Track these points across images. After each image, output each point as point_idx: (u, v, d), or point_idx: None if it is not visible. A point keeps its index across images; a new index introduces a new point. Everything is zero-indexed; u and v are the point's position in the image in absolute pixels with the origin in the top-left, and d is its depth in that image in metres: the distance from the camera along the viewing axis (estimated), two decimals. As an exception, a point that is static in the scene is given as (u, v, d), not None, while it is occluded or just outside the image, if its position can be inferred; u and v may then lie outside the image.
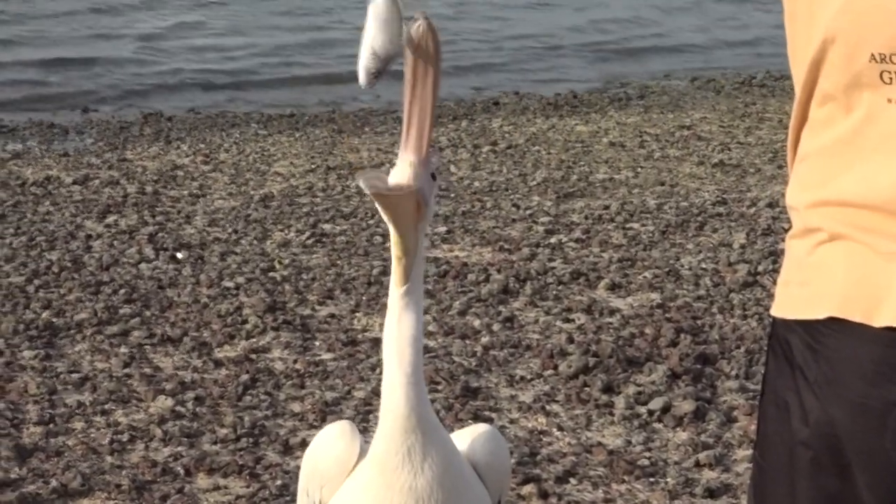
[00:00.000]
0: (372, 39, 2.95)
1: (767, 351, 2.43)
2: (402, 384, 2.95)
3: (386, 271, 7.50)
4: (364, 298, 7.03)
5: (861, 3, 2.20)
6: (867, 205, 2.23)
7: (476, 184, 9.59)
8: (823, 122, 2.30)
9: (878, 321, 2.21)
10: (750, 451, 5.45)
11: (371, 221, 8.46)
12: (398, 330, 2.95)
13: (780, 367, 2.36)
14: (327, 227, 8.46)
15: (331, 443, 3.26)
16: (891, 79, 2.20)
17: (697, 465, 5.36)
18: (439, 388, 5.95)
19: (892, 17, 2.19)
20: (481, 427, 3.44)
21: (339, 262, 7.70)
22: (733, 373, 6.16)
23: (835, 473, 2.28)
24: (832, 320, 2.25)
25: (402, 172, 2.80)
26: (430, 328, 6.68)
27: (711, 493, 5.15)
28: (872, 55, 2.20)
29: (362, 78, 2.95)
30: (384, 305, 3.22)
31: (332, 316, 6.85)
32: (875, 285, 2.22)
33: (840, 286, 2.25)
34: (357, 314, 6.83)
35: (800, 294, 2.31)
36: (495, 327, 6.73)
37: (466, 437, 3.37)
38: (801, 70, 2.31)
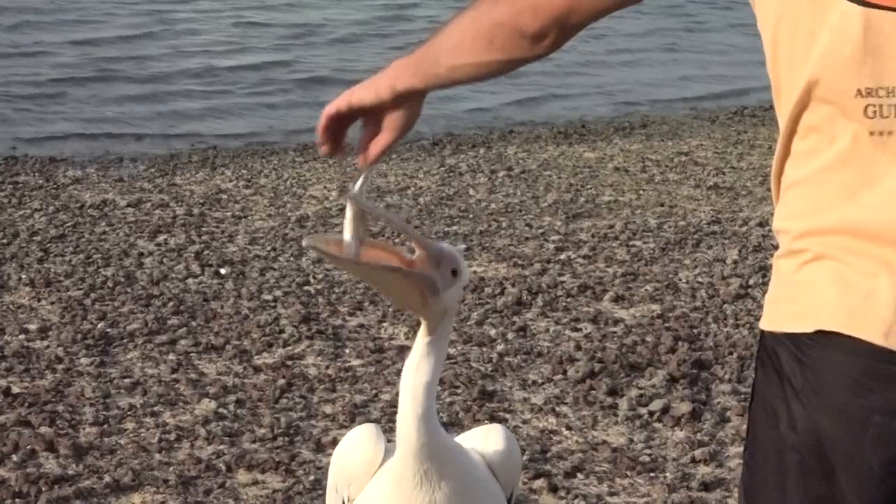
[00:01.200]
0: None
1: (756, 361, 2.40)
2: (413, 423, 2.93)
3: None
4: (390, 310, 7.01)
5: (843, 45, 2.17)
6: (849, 231, 2.20)
7: (493, 205, 9.57)
8: (807, 153, 2.26)
9: (861, 335, 2.18)
10: (742, 449, 5.44)
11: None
12: (415, 374, 2.91)
13: (769, 376, 2.32)
14: (357, 245, 8.45)
15: (357, 445, 3.25)
16: (875, 112, 2.17)
17: (693, 461, 5.34)
18: (458, 391, 5.94)
19: (874, 54, 2.16)
20: (494, 428, 3.43)
21: (367, 276, 7.69)
22: (727, 377, 6.14)
23: (821, 476, 2.25)
24: (818, 333, 2.22)
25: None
26: (451, 337, 6.66)
27: (706, 486, 5.13)
28: (858, 90, 2.17)
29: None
30: (409, 316, 3.22)
31: (362, 326, 6.83)
32: (858, 301, 2.19)
33: (826, 301, 2.22)
34: (384, 324, 6.81)
35: (788, 310, 2.28)
36: (509, 336, 6.71)
37: (480, 437, 3.36)
38: (785, 109, 2.28)
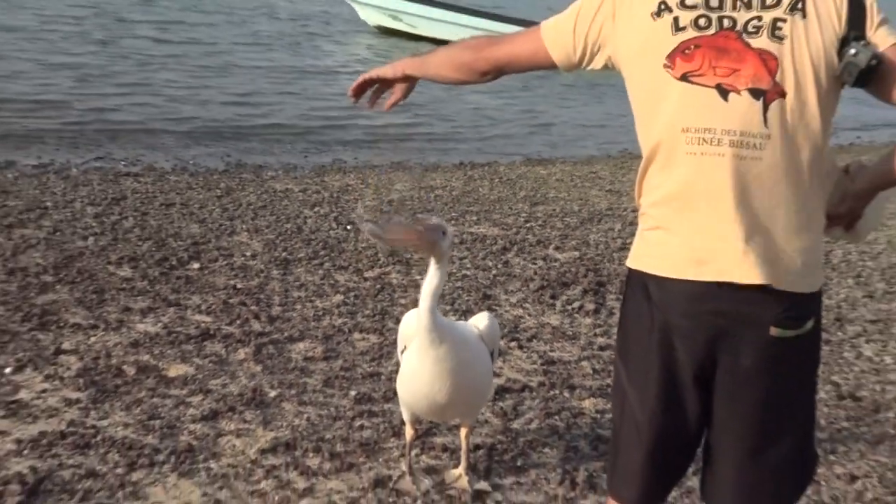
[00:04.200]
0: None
1: (627, 285, 2.34)
2: (423, 313, 2.89)
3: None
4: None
5: (670, 107, 2.09)
6: (676, 213, 2.16)
7: (491, 197, 9.48)
8: (662, 167, 2.18)
9: (691, 277, 2.14)
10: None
11: (454, 212, 8.37)
12: (427, 284, 2.87)
13: (636, 294, 2.27)
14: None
15: (411, 318, 3.23)
16: (690, 141, 2.09)
17: (595, 335, 5.31)
18: (471, 294, 5.90)
19: (689, 107, 2.10)
20: (484, 314, 3.41)
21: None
22: (614, 291, 6.09)
23: (669, 348, 2.21)
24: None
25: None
26: (467, 264, 6.63)
27: (602, 349, 5.09)
28: (683, 128, 2.12)
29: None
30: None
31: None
32: (689, 255, 2.14)
33: (667, 256, 2.17)
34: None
35: (651, 262, 2.23)
36: (499, 266, 6.65)
37: (478, 318, 3.38)
38: (645, 150, 2.21)
